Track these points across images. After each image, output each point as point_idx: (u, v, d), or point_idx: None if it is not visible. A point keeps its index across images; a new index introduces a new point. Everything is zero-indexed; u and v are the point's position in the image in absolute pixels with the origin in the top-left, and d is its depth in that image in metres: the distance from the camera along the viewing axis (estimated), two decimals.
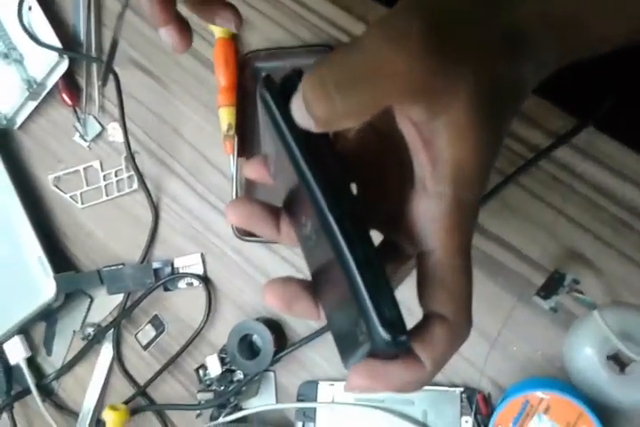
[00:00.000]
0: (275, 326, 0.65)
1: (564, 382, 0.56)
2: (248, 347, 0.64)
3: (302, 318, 0.33)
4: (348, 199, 0.29)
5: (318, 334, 0.64)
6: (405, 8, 0.27)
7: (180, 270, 0.71)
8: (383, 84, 0.26)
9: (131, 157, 0.72)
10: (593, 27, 0.32)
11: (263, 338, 0.63)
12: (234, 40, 0.69)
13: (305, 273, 0.57)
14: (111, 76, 0.71)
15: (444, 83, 0.27)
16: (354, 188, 0.33)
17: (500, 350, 0.58)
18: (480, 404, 0.58)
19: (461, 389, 0.59)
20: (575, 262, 0.57)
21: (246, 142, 0.68)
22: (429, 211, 0.30)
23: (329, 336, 0.63)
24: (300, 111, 0.28)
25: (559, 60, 0.32)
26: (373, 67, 0.26)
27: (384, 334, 0.26)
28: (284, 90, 0.30)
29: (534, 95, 0.58)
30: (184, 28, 0.44)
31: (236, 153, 0.67)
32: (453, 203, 0.29)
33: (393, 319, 0.26)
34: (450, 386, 0.59)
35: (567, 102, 0.58)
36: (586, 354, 0.54)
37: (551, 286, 0.55)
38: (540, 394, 0.53)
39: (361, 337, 0.27)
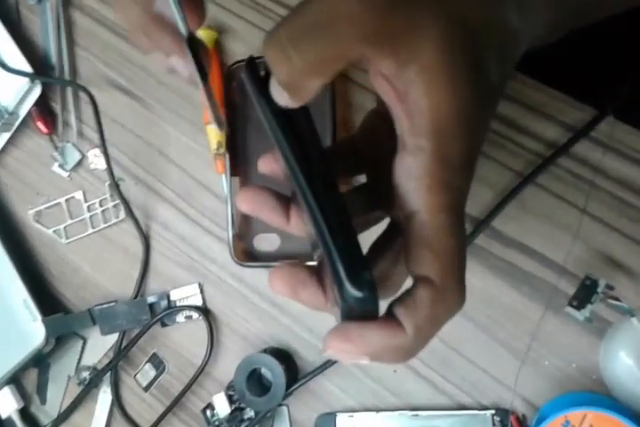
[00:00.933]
0: (284, 357, 0.60)
1: (603, 395, 0.52)
2: (257, 382, 0.60)
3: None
4: (319, 165, 0.30)
5: (332, 362, 0.59)
6: None
7: (178, 303, 0.66)
8: (338, 31, 0.25)
9: (115, 184, 0.67)
10: None
11: (273, 371, 0.58)
12: (218, 51, 0.65)
13: None
14: (88, 99, 0.67)
15: (408, 25, 0.26)
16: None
17: (530, 365, 0.54)
18: (514, 426, 0.54)
19: (492, 411, 0.55)
20: (604, 265, 0.53)
21: (238, 160, 0.64)
22: (411, 169, 0.28)
23: (343, 364, 0.59)
24: (274, 88, 0.29)
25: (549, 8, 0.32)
26: (325, 13, 0.25)
27: (350, 290, 0.26)
28: (266, 75, 0.30)
29: (546, 88, 0.54)
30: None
31: (228, 172, 0.63)
32: (434, 157, 0.27)
33: (360, 276, 0.27)
34: (479, 409, 0.55)
35: (582, 93, 0.55)
36: (625, 363, 0.50)
37: (584, 295, 0.51)
38: (580, 412, 0.49)
39: (337, 301, 0.27)
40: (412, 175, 0.28)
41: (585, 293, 0.52)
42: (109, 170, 0.67)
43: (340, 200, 0.29)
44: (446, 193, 0.28)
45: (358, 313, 0.28)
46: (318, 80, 0.28)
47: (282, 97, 0.29)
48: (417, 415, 0.56)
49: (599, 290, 0.51)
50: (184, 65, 0.35)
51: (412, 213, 0.28)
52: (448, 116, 0.27)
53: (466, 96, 0.27)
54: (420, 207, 0.28)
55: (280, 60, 0.27)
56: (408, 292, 0.28)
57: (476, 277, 0.56)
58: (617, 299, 0.51)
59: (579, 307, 0.51)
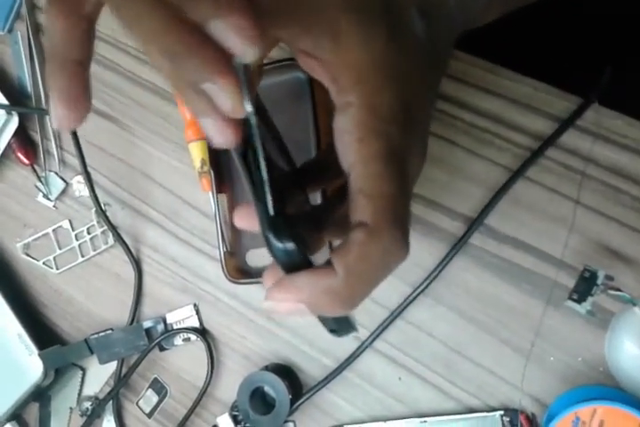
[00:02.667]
0: (286, 372, 0.59)
1: (611, 387, 0.51)
2: (261, 400, 0.58)
3: None
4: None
5: (335, 374, 0.58)
6: None
7: (174, 326, 0.65)
8: None
9: (101, 210, 0.66)
10: None
11: (276, 388, 0.57)
12: None
13: None
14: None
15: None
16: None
17: (536, 362, 0.53)
18: (524, 426, 0.53)
19: (501, 412, 0.53)
20: (603, 255, 0.52)
21: (224, 176, 0.63)
22: (344, 125, 0.28)
23: (347, 375, 0.59)
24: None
25: None
26: None
27: (273, 242, 0.27)
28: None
29: (528, 79, 0.54)
30: None
31: (214, 189, 0.61)
32: (361, 108, 0.28)
33: (280, 230, 0.27)
34: (488, 411, 0.54)
35: (565, 82, 0.54)
36: (631, 353, 0.49)
37: (584, 287, 0.51)
38: (589, 408, 0.48)
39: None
40: (345, 131, 0.28)
41: (585, 285, 0.51)
42: (94, 196, 0.66)
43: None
44: (378, 141, 0.28)
45: (294, 266, 0.28)
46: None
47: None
48: (425, 422, 0.55)
49: (599, 282, 0.50)
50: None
51: (349, 168, 0.28)
52: (367, 68, 0.27)
53: (380, 48, 0.28)
54: (354, 159, 0.28)
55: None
56: (345, 239, 0.28)
57: (474, 277, 0.55)
58: (618, 289, 0.50)
59: (579, 300, 0.51)
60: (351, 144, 0.28)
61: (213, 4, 0.24)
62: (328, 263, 0.28)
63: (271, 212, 0.28)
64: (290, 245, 0.27)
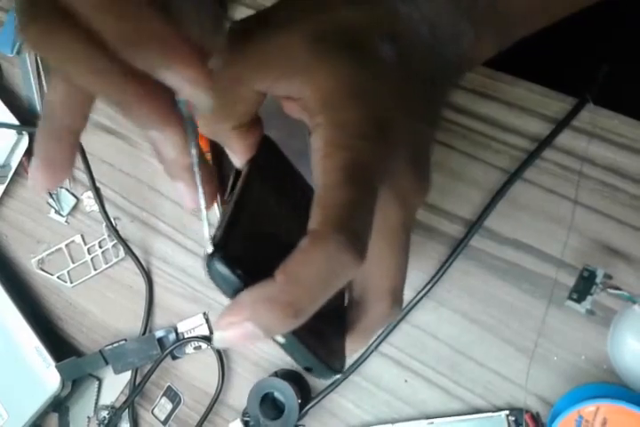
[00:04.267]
0: (295, 378, 0.60)
1: (615, 384, 0.51)
2: (271, 406, 0.59)
3: None
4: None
5: (342, 378, 0.59)
6: None
7: (186, 335, 0.66)
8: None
9: (111, 224, 0.68)
10: None
11: (285, 394, 0.58)
12: None
13: None
14: None
15: (277, 50, 0.31)
16: None
17: (540, 362, 0.53)
18: (530, 425, 0.53)
19: (506, 411, 0.54)
20: (602, 254, 0.52)
21: (228, 186, 0.64)
22: (314, 146, 0.28)
23: (354, 379, 0.59)
24: None
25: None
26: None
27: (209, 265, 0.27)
28: None
29: (522, 81, 0.54)
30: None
31: (219, 201, 0.63)
32: (328, 126, 0.28)
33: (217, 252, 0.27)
34: (494, 411, 0.54)
35: (558, 83, 0.54)
36: (633, 350, 0.50)
37: (583, 287, 0.51)
38: (592, 406, 0.48)
39: None
40: (315, 149, 0.28)
41: (584, 285, 0.51)
42: (102, 211, 0.68)
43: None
44: (342, 154, 0.27)
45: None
46: (233, 122, 0.32)
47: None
48: (432, 423, 0.55)
49: (598, 281, 0.51)
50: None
51: (314, 184, 0.28)
52: (333, 91, 0.29)
53: (345, 72, 0.29)
54: (317, 172, 0.28)
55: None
56: None
57: (475, 279, 0.55)
58: (617, 288, 0.50)
59: (579, 300, 0.51)
60: (318, 161, 0.28)
61: (160, 52, 0.24)
62: None
63: (207, 236, 0.27)
64: (225, 271, 0.27)
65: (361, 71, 0.30)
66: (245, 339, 0.26)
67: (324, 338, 0.29)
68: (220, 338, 0.26)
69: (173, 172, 0.31)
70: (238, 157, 0.35)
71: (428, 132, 0.34)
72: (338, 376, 0.30)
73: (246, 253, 0.28)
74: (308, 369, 0.30)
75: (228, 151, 0.36)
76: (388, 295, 0.33)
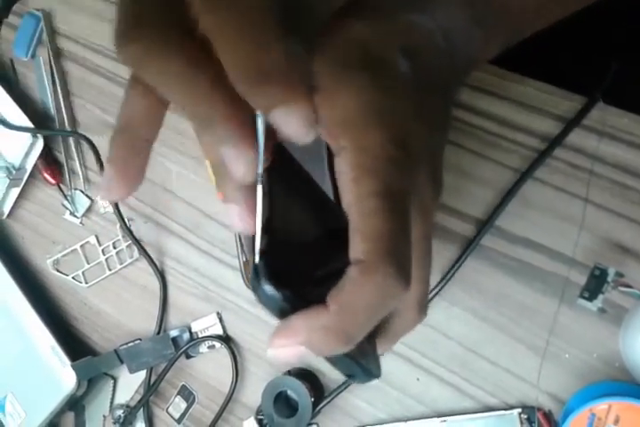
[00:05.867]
0: (308, 376, 0.61)
1: (627, 382, 0.51)
2: (285, 404, 0.60)
3: None
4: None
5: None
6: None
7: (199, 334, 0.67)
8: None
9: (125, 225, 0.69)
10: None
11: (298, 392, 0.58)
12: None
13: None
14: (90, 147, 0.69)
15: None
16: None
17: (551, 360, 0.53)
18: (542, 422, 0.53)
19: (519, 409, 0.54)
20: (614, 252, 0.52)
21: None
22: (340, 170, 0.28)
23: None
24: None
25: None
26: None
27: (256, 288, 0.27)
28: None
29: (532, 81, 0.55)
30: None
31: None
32: (353, 150, 0.28)
33: (262, 271, 0.27)
34: (506, 409, 0.55)
35: (568, 82, 0.55)
36: None
37: (594, 285, 0.51)
38: (604, 404, 0.48)
39: None
40: (342, 173, 0.28)
41: (595, 283, 0.51)
42: (117, 212, 0.69)
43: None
44: (373, 179, 0.27)
45: (285, 313, 0.28)
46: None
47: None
48: (445, 421, 0.56)
49: (609, 279, 0.51)
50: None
51: (347, 209, 0.28)
52: (353, 112, 0.28)
53: (364, 92, 0.28)
54: (350, 198, 0.28)
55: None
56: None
57: (487, 278, 0.55)
58: (628, 286, 0.50)
59: (590, 298, 0.51)
60: (347, 184, 0.28)
61: (281, 95, 0.25)
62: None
63: (257, 259, 0.27)
64: (273, 292, 0.27)
65: (380, 90, 0.29)
66: (297, 358, 0.28)
67: (361, 346, 0.29)
68: (273, 356, 0.28)
69: (232, 191, 0.31)
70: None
71: (443, 139, 0.34)
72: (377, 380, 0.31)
73: (287, 269, 0.28)
74: (349, 376, 0.32)
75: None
76: (416, 304, 0.34)
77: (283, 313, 0.28)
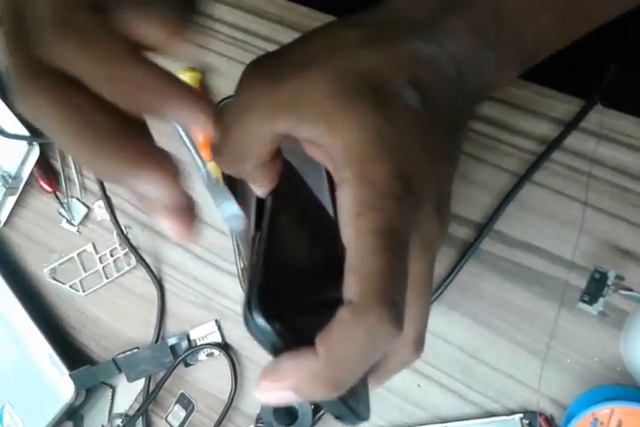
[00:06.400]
0: None
1: (629, 386, 0.51)
2: (285, 412, 0.59)
3: None
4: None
5: None
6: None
7: (198, 342, 0.67)
8: (247, 122, 0.30)
9: (122, 233, 0.68)
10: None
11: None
12: (203, 91, 0.66)
13: None
14: None
15: (296, 94, 0.29)
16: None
17: (552, 364, 0.53)
18: None
19: (520, 415, 0.54)
20: (613, 255, 0.52)
21: (237, 194, 0.64)
22: (342, 202, 0.28)
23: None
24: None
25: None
26: (236, 114, 0.30)
27: (248, 320, 0.27)
28: None
29: (529, 84, 0.54)
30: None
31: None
32: (357, 184, 0.27)
33: (256, 305, 0.27)
34: (507, 414, 0.54)
35: (565, 85, 0.54)
36: None
37: (595, 288, 0.51)
38: (607, 408, 0.48)
39: None
40: (343, 207, 0.28)
41: (595, 287, 0.51)
42: (114, 220, 0.68)
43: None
44: (374, 217, 0.27)
45: (277, 348, 0.27)
46: (254, 162, 0.31)
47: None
48: None
49: (609, 282, 0.50)
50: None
51: (346, 243, 0.27)
52: (358, 144, 0.28)
53: (370, 125, 0.28)
54: (349, 234, 0.27)
55: (215, 158, 0.31)
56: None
57: (486, 282, 0.55)
58: (629, 289, 0.50)
59: (590, 302, 0.51)
60: (349, 220, 0.27)
61: (160, 103, 0.28)
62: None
63: (249, 291, 0.28)
64: (265, 326, 0.26)
65: (387, 122, 0.28)
66: (285, 401, 0.27)
67: (351, 387, 0.28)
68: (261, 397, 0.27)
69: (155, 209, 0.31)
70: (262, 190, 0.35)
71: (452, 171, 0.33)
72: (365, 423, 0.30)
73: (283, 299, 0.28)
74: (338, 417, 0.30)
75: (251, 185, 0.35)
76: (412, 343, 0.33)
77: (275, 349, 0.27)
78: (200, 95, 0.29)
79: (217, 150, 0.32)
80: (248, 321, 0.27)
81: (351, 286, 0.26)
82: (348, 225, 0.27)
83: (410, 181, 0.28)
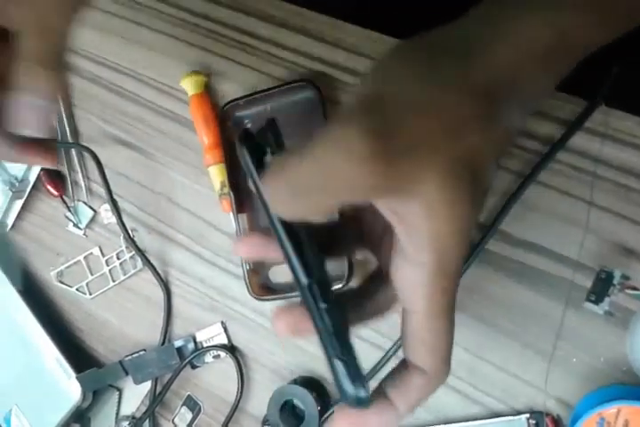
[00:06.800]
0: (314, 385, 0.60)
1: (635, 386, 0.51)
2: (291, 413, 0.60)
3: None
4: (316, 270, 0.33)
5: None
6: (351, 114, 0.27)
7: (204, 344, 0.67)
8: (335, 191, 0.27)
9: (128, 236, 0.69)
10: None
11: (304, 401, 0.58)
12: (208, 94, 0.66)
13: None
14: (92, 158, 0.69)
15: (404, 179, 0.27)
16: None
17: (559, 364, 0.53)
18: None
19: (527, 415, 0.53)
20: (619, 254, 0.52)
21: (243, 197, 0.64)
22: (412, 277, 0.31)
23: (372, 385, 0.58)
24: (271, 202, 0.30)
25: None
26: (323, 177, 0.27)
27: (351, 394, 0.32)
28: (260, 147, 0.32)
29: None
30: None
31: (234, 210, 0.63)
32: (434, 271, 0.30)
33: (358, 382, 0.32)
34: (514, 414, 0.54)
35: (569, 85, 0.54)
36: None
37: (601, 288, 0.50)
38: (613, 408, 0.48)
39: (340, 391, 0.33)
40: (414, 283, 0.31)
41: (601, 286, 0.51)
42: (120, 223, 0.69)
43: (340, 312, 0.33)
44: (443, 298, 0.31)
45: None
46: (317, 218, 0.30)
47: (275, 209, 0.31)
48: None
49: (615, 282, 0.50)
50: None
51: (411, 312, 0.32)
52: (447, 235, 0.29)
53: (463, 216, 0.29)
54: (419, 310, 0.31)
55: (281, 204, 0.29)
56: (402, 378, 0.34)
57: (492, 283, 0.55)
58: (635, 288, 0.50)
59: (597, 301, 0.51)
60: (420, 297, 0.31)
61: None
62: (380, 391, 0.34)
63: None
64: (363, 394, 0.32)
65: (474, 211, 0.29)
66: None
67: None
68: None
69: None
70: None
71: None
72: None
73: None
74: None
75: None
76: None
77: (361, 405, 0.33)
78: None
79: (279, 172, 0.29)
80: (346, 392, 0.33)
81: (424, 359, 0.33)
82: (418, 300, 0.31)
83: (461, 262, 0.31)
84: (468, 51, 0.30)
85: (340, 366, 0.33)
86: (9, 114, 0.39)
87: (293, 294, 0.60)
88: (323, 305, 0.32)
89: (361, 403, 0.32)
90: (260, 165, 0.32)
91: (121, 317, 0.72)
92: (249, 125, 0.64)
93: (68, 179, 0.74)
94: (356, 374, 0.32)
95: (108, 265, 0.72)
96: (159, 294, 0.69)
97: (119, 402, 0.71)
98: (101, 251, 0.72)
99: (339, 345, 0.33)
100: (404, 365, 0.34)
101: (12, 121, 0.40)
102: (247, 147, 0.32)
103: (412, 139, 0.27)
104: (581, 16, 0.31)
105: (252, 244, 0.35)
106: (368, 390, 0.32)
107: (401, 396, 0.33)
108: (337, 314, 0.33)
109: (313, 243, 0.33)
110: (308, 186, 0.27)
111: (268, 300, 0.62)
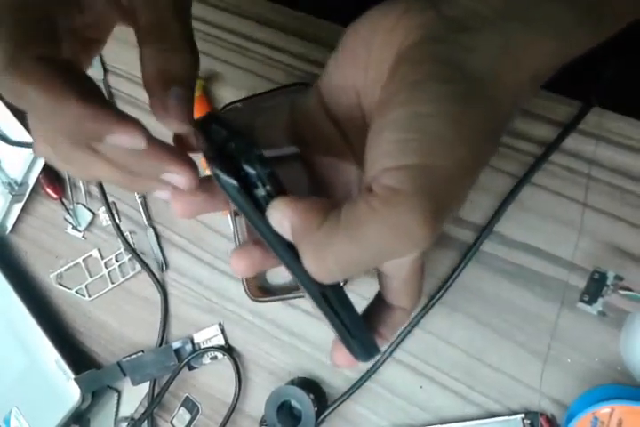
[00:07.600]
0: (311, 385, 0.61)
1: (629, 386, 0.51)
2: (288, 414, 0.60)
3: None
4: None
5: (358, 385, 0.59)
6: (402, 194, 0.26)
7: (202, 345, 0.67)
8: (382, 261, 0.30)
9: (125, 239, 0.69)
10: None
11: (301, 402, 0.58)
12: (207, 98, 0.67)
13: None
14: None
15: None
16: None
17: (553, 364, 0.53)
18: None
19: (522, 415, 0.54)
20: (613, 255, 0.52)
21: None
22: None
23: (370, 385, 0.60)
24: (280, 227, 0.30)
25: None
26: (377, 258, 0.28)
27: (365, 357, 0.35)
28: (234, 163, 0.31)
29: None
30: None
31: (232, 212, 0.64)
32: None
33: (369, 352, 0.35)
34: (509, 414, 0.55)
35: (564, 87, 0.55)
36: None
37: (594, 289, 0.51)
38: (607, 408, 0.48)
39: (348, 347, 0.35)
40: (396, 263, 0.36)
41: (595, 287, 0.51)
42: (116, 226, 0.70)
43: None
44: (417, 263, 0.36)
45: None
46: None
47: (283, 231, 0.30)
48: None
49: (608, 282, 0.50)
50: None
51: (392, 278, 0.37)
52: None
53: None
54: (398, 277, 0.36)
55: (319, 269, 0.28)
56: (387, 315, 0.38)
57: (487, 284, 0.55)
58: (628, 289, 0.50)
59: (590, 302, 0.51)
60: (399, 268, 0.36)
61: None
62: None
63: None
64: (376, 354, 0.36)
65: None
66: None
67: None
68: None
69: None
70: None
71: None
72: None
73: None
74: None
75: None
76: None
77: None
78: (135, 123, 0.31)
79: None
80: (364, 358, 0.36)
81: (406, 302, 0.38)
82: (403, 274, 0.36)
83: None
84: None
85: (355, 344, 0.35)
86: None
87: (291, 295, 0.60)
88: (341, 310, 0.33)
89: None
90: (247, 190, 0.31)
91: (119, 318, 0.73)
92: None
93: (67, 182, 0.74)
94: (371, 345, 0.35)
95: (106, 267, 0.72)
96: (157, 296, 0.69)
97: (118, 403, 0.72)
98: (100, 253, 0.73)
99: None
100: (384, 304, 0.38)
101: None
102: (220, 167, 0.31)
103: (459, 202, 0.29)
104: (577, 28, 0.32)
105: (250, 256, 0.35)
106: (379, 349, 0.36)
107: (391, 330, 0.38)
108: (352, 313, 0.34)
109: None
110: (358, 263, 0.28)
111: (265, 301, 0.63)
